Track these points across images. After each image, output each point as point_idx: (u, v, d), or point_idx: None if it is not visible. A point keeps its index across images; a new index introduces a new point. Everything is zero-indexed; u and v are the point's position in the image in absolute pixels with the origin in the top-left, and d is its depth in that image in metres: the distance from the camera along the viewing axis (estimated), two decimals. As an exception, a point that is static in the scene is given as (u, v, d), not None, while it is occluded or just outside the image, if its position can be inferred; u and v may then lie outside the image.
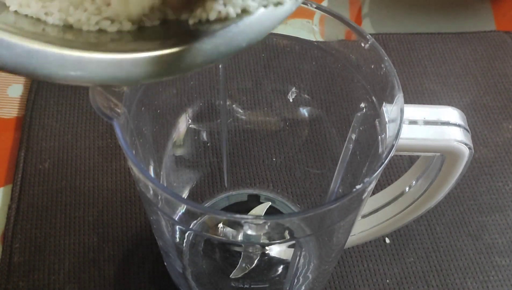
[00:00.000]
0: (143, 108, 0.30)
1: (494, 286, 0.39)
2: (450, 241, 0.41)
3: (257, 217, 0.24)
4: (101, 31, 0.20)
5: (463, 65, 0.52)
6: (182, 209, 0.31)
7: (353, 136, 0.33)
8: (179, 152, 0.37)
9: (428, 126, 0.27)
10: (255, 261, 0.35)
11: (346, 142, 0.34)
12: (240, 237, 0.35)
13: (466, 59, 0.52)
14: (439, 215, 0.42)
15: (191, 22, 0.20)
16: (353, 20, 0.55)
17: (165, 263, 0.37)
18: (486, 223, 0.42)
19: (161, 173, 0.36)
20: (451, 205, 0.42)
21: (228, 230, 0.36)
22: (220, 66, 0.33)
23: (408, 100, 0.26)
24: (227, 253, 0.37)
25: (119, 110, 0.26)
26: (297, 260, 0.29)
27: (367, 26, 0.56)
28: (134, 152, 0.25)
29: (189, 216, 0.36)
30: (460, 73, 0.51)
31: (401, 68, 0.51)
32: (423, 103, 0.48)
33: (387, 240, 0.40)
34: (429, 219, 0.42)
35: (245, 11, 0.20)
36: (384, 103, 0.28)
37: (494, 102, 0.49)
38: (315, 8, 0.29)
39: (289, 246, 0.33)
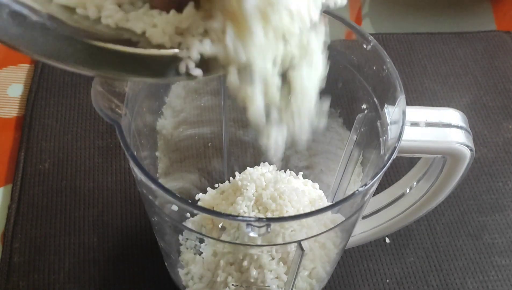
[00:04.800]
0: (144, 109, 0.30)
1: (494, 286, 0.39)
2: (450, 241, 0.41)
3: (259, 219, 0.24)
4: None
5: (463, 65, 0.52)
6: (183, 210, 0.31)
7: (354, 137, 0.33)
8: (181, 152, 0.37)
9: (430, 128, 0.27)
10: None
11: (347, 143, 0.34)
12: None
13: (466, 59, 0.52)
14: (439, 215, 0.42)
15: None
16: (353, 20, 0.55)
17: (166, 264, 0.37)
18: (486, 223, 0.42)
19: (162, 173, 0.35)
20: (451, 205, 0.43)
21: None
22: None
23: (408, 100, 0.26)
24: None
25: (120, 111, 0.26)
26: (298, 261, 0.29)
27: (367, 26, 0.56)
28: (135, 153, 0.25)
29: (190, 217, 0.36)
30: (460, 73, 0.51)
31: (401, 68, 0.51)
32: (423, 103, 0.48)
33: (387, 240, 0.40)
34: (429, 219, 0.42)
35: None
36: (386, 105, 0.28)
37: (494, 102, 0.49)
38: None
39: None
